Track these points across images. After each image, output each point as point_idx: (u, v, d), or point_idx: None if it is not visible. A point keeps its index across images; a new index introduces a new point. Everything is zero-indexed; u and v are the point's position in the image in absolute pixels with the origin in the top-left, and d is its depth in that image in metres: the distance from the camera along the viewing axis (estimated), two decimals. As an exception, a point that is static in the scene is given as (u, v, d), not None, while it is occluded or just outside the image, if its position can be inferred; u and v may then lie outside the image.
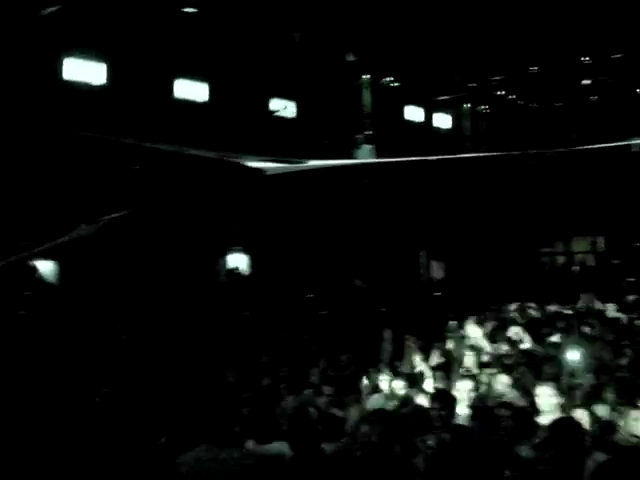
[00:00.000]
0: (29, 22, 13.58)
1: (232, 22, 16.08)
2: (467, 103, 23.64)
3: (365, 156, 14.60)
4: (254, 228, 16.34)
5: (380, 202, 17.75)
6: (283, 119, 17.98)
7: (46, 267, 14.65)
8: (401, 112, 21.79)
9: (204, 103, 16.60)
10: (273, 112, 17.91)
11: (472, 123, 24.03)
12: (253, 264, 17.07)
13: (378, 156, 14.71)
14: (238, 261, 16.95)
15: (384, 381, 7.77)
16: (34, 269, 14.23)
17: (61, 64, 14.68)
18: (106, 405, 7.32)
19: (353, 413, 6.81)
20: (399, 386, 7.54)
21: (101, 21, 14.56)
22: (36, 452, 6.88)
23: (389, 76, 20.47)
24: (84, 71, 14.93)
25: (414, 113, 22.49)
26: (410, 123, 22.10)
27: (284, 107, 17.72)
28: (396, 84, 20.80)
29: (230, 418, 5.97)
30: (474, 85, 21.56)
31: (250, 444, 6.14)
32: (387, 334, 11.26)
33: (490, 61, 19.88)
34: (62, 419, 7.66)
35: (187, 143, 12.10)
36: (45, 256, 13.73)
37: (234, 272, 16.30)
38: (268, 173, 9.24)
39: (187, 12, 15.70)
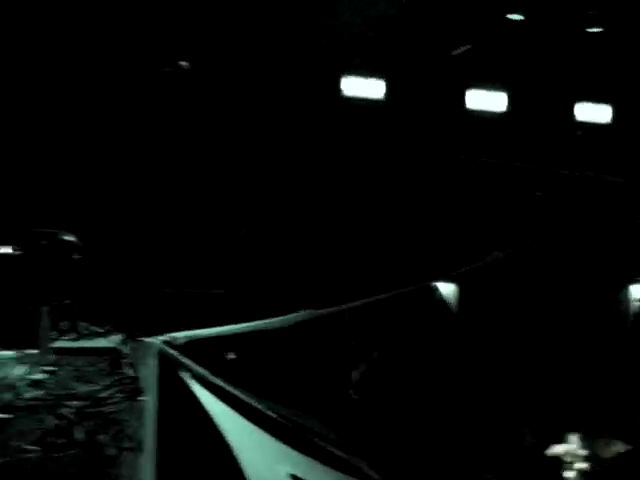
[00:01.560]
0: (441, 60, 14.56)
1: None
2: None
3: None
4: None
5: None
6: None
7: (447, 289, 15.36)
8: None
9: (607, 125, 16.00)
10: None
11: None
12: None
13: None
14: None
15: None
16: (436, 289, 15.02)
17: (464, 95, 15.42)
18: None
19: None
20: None
21: (502, 54, 14.99)
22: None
23: None
24: (486, 100, 15.51)
25: None
26: None
27: None
28: None
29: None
30: None
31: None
32: None
33: None
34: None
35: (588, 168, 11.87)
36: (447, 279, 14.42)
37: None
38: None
39: (590, 32, 15.33)
